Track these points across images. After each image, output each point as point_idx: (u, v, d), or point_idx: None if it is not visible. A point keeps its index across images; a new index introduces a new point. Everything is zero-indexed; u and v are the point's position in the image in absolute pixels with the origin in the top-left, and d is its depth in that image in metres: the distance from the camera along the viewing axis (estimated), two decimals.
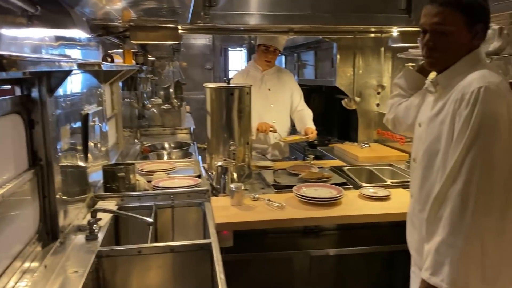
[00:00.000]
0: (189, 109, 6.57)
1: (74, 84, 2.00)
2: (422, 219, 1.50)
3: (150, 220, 1.77)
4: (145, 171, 2.86)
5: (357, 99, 3.17)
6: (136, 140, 4.32)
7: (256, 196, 2.33)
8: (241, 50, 8.90)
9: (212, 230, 1.92)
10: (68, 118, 1.85)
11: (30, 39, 1.43)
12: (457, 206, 1.34)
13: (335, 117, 4.91)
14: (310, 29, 2.86)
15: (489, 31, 1.76)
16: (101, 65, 1.79)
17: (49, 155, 1.57)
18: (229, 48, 8.90)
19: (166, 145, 4.07)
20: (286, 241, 2.28)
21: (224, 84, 2.67)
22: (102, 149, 2.55)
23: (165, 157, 3.65)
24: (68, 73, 1.53)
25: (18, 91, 1.46)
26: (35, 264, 1.44)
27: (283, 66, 5.80)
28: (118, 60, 2.34)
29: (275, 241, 2.26)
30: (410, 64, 2.59)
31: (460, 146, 1.35)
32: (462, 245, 1.33)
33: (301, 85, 4.86)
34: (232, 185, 2.25)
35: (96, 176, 2.36)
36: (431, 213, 1.44)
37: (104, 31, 2.49)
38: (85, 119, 2.09)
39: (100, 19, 2.28)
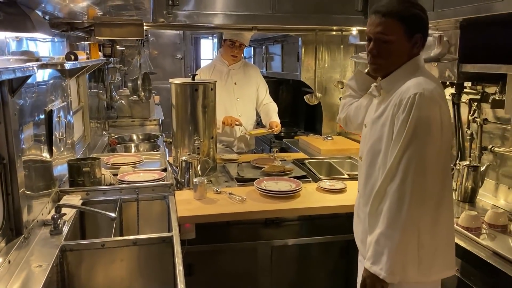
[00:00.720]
0: (159, 99, 6.58)
1: (37, 82, 2.03)
2: (366, 212, 1.63)
3: (113, 215, 1.84)
4: (111, 164, 2.91)
5: (318, 94, 3.29)
6: (104, 132, 4.33)
7: (219, 189, 2.43)
8: (212, 39, 8.90)
9: (174, 224, 2.01)
10: (31, 115, 1.89)
11: None
12: (395, 202, 1.48)
13: (302, 109, 5.03)
14: (272, 27, 2.95)
15: (430, 39, 1.90)
16: (64, 64, 1.82)
17: (12, 154, 1.62)
18: (200, 37, 8.89)
19: (134, 137, 4.10)
20: (248, 232, 2.38)
21: (189, 80, 2.73)
22: (68, 142, 2.59)
23: (133, 150, 3.69)
24: (30, 75, 1.57)
25: None
26: None
27: (252, 57, 5.87)
28: (82, 56, 2.37)
29: (238, 232, 2.36)
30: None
31: (397, 147, 1.48)
32: (399, 237, 1.47)
33: (269, 77, 4.98)
34: (195, 179, 2.34)
35: (61, 170, 2.40)
36: (372, 208, 1.57)
37: (69, 26, 2.51)
38: (49, 115, 2.12)
39: (64, 17, 2.31)
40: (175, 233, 1.89)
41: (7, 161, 1.61)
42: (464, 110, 2.52)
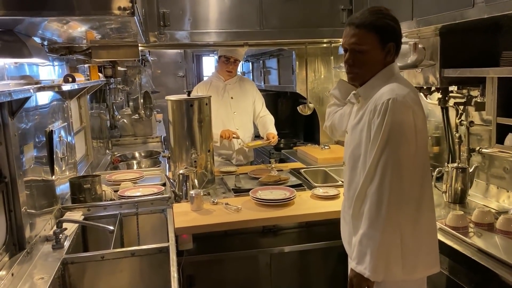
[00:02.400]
0: (162, 117, 6.70)
1: (38, 104, 2.15)
2: (350, 215, 1.70)
3: (111, 228, 1.93)
4: (113, 181, 3.00)
5: (311, 105, 3.38)
6: (107, 151, 4.44)
7: (215, 200, 2.50)
8: (213, 56, 9.05)
9: (171, 234, 2.09)
10: (31, 136, 1.99)
11: None
12: (374, 203, 1.55)
13: (301, 120, 5.12)
14: (263, 42, 3.05)
15: (406, 46, 1.98)
16: (61, 86, 1.92)
17: (13, 172, 1.72)
18: (202, 55, 9.06)
19: (137, 154, 4.21)
20: (246, 242, 2.44)
21: (184, 96, 2.84)
22: (70, 161, 2.69)
23: (135, 166, 3.79)
24: (28, 97, 1.67)
25: None
26: (2, 273, 1.58)
27: (251, 72, 5.99)
28: (80, 78, 2.48)
29: (236, 242, 2.42)
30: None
31: (374, 151, 1.56)
32: (380, 236, 1.54)
33: (267, 91, 5.08)
34: (191, 192, 2.42)
35: (63, 188, 2.50)
36: (355, 210, 1.64)
37: (67, 50, 2.63)
38: (49, 135, 2.23)
39: (63, 42, 2.42)
40: (171, 243, 1.97)
41: (9, 180, 1.70)
42: (452, 113, 2.60)
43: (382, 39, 1.63)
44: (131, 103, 4.57)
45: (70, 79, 2.18)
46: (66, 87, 2.07)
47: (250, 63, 5.99)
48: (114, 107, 4.72)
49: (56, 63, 2.53)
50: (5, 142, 1.67)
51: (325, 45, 3.33)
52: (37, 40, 1.99)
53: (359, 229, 1.60)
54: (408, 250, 1.59)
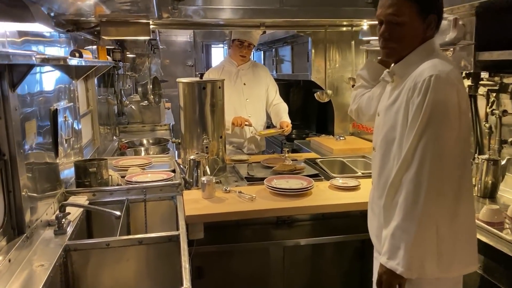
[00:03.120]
0: (170, 105, 6.57)
1: (43, 80, 2.01)
2: (380, 206, 1.54)
3: (117, 213, 1.78)
4: (120, 167, 2.86)
5: (329, 92, 3.21)
6: (114, 137, 4.31)
7: (228, 188, 2.36)
8: (222, 47, 8.90)
9: (181, 222, 1.94)
10: (35, 114, 1.85)
11: None
12: (410, 192, 1.39)
13: (313, 111, 4.96)
14: (281, 23, 2.89)
15: (445, 22, 1.81)
16: (67, 60, 1.78)
17: (13, 150, 1.58)
18: (212, 45, 8.91)
19: (145, 141, 4.08)
20: (259, 233, 2.31)
21: (197, 79, 2.69)
22: (75, 146, 2.55)
23: (143, 153, 3.65)
24: (30, 67, 1.53)
25: None
26: None
27: (262, 61, 5.82)
28: (88, 55, 2.34)
29: (249, 233, 2.29)
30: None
31: (412, 133, 1.39)
32: (415, 229, 1.38)
33: (279, 80, 4.92)
34: (203, 178, 2.28)
35: (68, 172, 2.36)
36: (387, 200, 1.49)
37: (75, 26, 2.49)
38: (54, 115, 2.09)
39: (70, 14, 2.28)
40: (181, 232, 1.82)
41: (8, 157, 1.57)
42: (481, 103, 2.43)
43: (423, 10, 1.46)
44: (139, 89, 4.43)
45: (77, 54, 2.03)
46: (73, 62, 1.93)
47: (262, 52, 5.82)
48: (122, 92, 4.58)
49: (63, 43, 2.38)
50: (4, 116, 1.53)
51: (344, 28, 3.16)
52: (43, 9, 1.85)
53: (392, 221, 1.44)
54: (444, 245, 1.43)
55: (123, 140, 4.04)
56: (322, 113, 4.74)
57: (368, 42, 2.96)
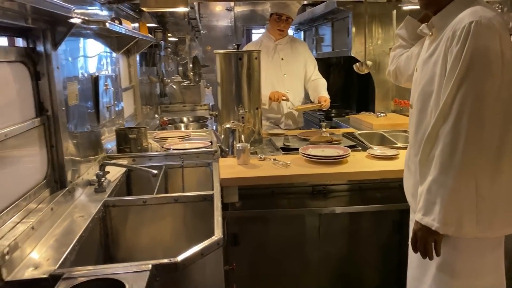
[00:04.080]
0: (211, 90, 6.66)
1: (85, 47, 2.09)
2: (416, 162, 1.49)
3: (154, 171, 1.84)
4: (160, 138, 2.94)
5: (369, 63, 3.11)
6: (156, 115, 4.43)
7: (263, 156, 2.36)
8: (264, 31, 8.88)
9: (216, 184, 1.97)
10: (76, 77, 1.93)
11: None
12: (448, 144, 1.33)
13: (354, 91, 4.86)
14: None
15: None
16: (106, 23, 1.84)
17: (55, 107, 1.65)
18: (252, 30, 8.91)
19: (185, 119, 4.16)
20: (294, 202, 2.30)
21: (233, 50, 2.70)
22: (117, 115, 2.64)
23: (182, 129, 3.73)
24: (70, 27, 1.59)
25: (23, 43, 1.54)
26: (41, 206, 1.52)
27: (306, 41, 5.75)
28: (128, 25, 2.40)
29: (284, 202, 2.29)
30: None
31: (450, 83, 1.33)
32: (452, 183, 1.32)
33: (319, 60, 4.85)
34: (238, 145, 2.29)
35: (109, 139, 2.45)
36: (423, 155, 1.43)
37: None
38: (95, 81, 2.17)
39: None
40: (216, 192, 1.85)
41: (51, 113, 1.64)
42: None
43: None
44: (180, 68, 4.51)
45: (117, 22, 2.09)
46: (113, 27, 1.98)
47: (302, 32, 5.75)
48: (164, 72, 4.68)
49: (105, 17, 2.46)
50: (47, 74, 1.61)
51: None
52: None
53: (428, 176, 1.39)
54: (484, 203, 1.36)
55: (164, 118, 4.14)
56: (363, 93, 4.64)
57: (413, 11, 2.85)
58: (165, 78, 4.58)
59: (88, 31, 2.08)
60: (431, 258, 1.43)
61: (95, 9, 2.30)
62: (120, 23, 2.13)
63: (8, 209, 1.34)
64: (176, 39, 5.59)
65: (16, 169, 1.43)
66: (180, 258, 1.25)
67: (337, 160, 2.25)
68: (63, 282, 1.14)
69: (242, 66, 2.65)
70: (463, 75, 1.31)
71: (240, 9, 8.53)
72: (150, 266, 1.21)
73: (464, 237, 1.41)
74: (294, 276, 2.35)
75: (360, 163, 2.28)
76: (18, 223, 1.36)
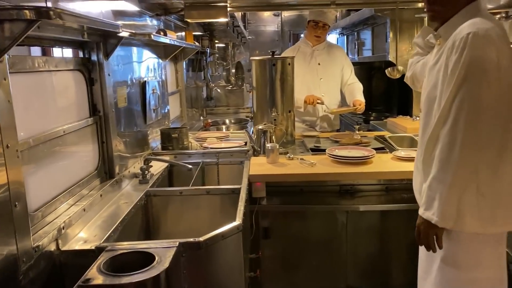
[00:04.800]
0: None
1: (134, 55, 2.37)
2: (421, 161, 1.61)
3: (189, 166, 2.08)
4: (201, 138, 3.19)
5: (400, 68, 3.19)
6: (201, 118, 4.72)
7: (291, 156, 2.54)
8: None
9: (244, 179, 2.18)
10: (125, 82, 2.21)
11: (89, 13, 1.79)
12: (446, 144, 1.45)
13: (395, 94, 4.89)
14: (352, 2, 2.96)
15: None
16: (151, 35, 2.10)
17: (106, 109, 1.93)
18: (300, 34, 9.06)
19: (227, 121, 4.41)
20: (322, 199, 2.43)
21: (268, 56, 2.89)
22: (163, 116, 2.92)
23: (224, 130, 3.97)
24: (119, 39, 1.86)
25: (81, 54, 1.82)
26: (93, 192, 1.80)
27: (345, 46, 5.85)
28: (172, 36, 2.67)
29: (312, 199, 2.42)
30: None
31: (450, 89, 1.44)
32: (450, 179, 1.44)
33: (359, 64, 4.94)
34: (268, 145, 2.48)
35: (155, 138, 2.73)
36: (426, 155, 1.55)
37: (163, 10, 2.85)
38: (143, 86, 2.45)
39: None
40: (243, 186, 2.05)
41: (102, 114, 1.92)
42: None
43: None
44: (224, 73, 4.77)
45: (162, 33, 2.35)
46: (158, 38, 2.24)
47: (345, 36, 5.85)
48: (210, 77, 4.96)
49: (153, 27, 2.74)
50: (99, 80, 1.88)
51: (420, 5, 3.12)
52: None
53: (430, 174, 1.51)
54: (486, 199, 1.46)
55: (208, 119, 4.41)
56: (403, 97, 4.66)
57: None
58: (210, 83, 4.86)
59: (137, 42, 2.35)
60: (434, 251, 1.55)
61: (145, 20, 2.59)
62: (165, 34, 2.39)
63: (65, 193, 1.62)
64: (223, 45, 5.88)
65: (72, 161, 1.71)
66: (202, 238, 1.46)
67: (362, 161, 2.38)
68: (106, 253, 1.38)
69: (275, 71, 2.84)
70: (460, 82, 1.42)
71: (287, 14, 8.71)
72: (177, 243, 1.43)
73: (467, 231, 1.51)
74: (319, 270, 2.49)
75: (384, 164, 2.39)
76: (72, 205, 1.64)
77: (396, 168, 2.32)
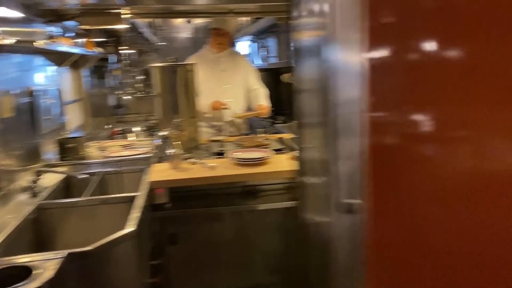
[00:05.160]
0: None
1: (23, 64, 2.25)
2: None
3: (82, 175, 2.02)
4: (104, 147, 3.11)
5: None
6: (109, 126, 4.57)
7: (194, 160, 2.57)
8: None
9: (142, 187, 2.17)
10: (8, 92, 2.09)
11: None
12: None
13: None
14: (250, 8, 3.06)
15: None
16: (34, 43, 2.02)
17: None
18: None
19: (135, 129, 4.33)
20: (225, 201, 2.48)
21: (169, 63, 2.91)
22: (59, 127, 2.80)
23: (133, 138, 3.90)
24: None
25: None
26: None
27: (256, 52, 6.02)
28: (66, 42, 2.58)
29: (216, 201, 2.47)
30: None
31: None
32: None
33: (268, 70, 5.11)
34: (169, 150, 2.50)
35: (52, 149, 2.61)
36: None
37: (56, 17, 2.74)
38: (30, 95, 2.33)
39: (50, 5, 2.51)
40: (140, 193, 2.05)
41: None
42: None
43: None
44: (132, 80, 4.69)
45: (51, 40, 2.27)
46: (42, 45, 2.16)
47: (256, 43, 6.05)
48: (119, 84, 4.84)
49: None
50: None
51: None
52: None
53: None
54: None
55: (114, 127, 4.30)
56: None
57: None
58: (120, 92, 4.75)
59: (24, 49, 2.24)
60: None
61: (35, 27, 2.47)
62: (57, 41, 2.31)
63: None
64: (133, 51, 5.75)
65: None
66: (92, 246, 1.45)
67: (259, 162, 2.48)
68: None
69: (177, 78, 2.86)
70: None
71: (199, 21, 8.75)
72: (66, 253, 1.40)
73: None
74: (228, 270, 2.55)
75: (280, 164, 2.51)
76: None
77: (293, 167, 2.45)
